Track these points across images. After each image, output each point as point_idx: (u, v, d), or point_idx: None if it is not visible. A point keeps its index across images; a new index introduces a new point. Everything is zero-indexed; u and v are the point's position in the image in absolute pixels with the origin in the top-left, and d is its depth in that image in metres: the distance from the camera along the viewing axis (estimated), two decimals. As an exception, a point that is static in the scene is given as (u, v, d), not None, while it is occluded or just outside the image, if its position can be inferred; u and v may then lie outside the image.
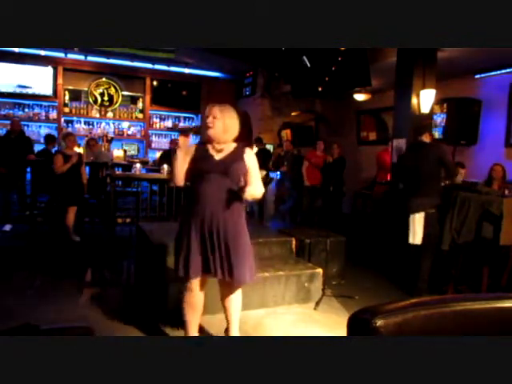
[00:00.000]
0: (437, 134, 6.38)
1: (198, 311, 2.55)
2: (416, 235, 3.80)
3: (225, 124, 2.38)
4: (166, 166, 5.49)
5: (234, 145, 2.46)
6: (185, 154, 2.41)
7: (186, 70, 8.88)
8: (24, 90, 8.11)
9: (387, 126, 7.68)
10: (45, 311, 3.13)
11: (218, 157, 2.40)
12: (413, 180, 3.93)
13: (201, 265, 2.38)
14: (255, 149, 8.33)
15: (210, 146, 2.43)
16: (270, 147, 8.42)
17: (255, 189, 2.33)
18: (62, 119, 8.41)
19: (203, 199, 2.34)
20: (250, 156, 2.46)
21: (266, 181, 5.71)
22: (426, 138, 3.97)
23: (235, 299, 2.58)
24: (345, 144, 8.99)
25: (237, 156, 2.41)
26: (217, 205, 2.34)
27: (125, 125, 8.91)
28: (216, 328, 2.91)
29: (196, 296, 2.49)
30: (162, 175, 5.52)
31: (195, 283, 2.45)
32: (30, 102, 8.24)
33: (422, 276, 3.83)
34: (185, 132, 2.48)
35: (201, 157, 2.40)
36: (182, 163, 2.40)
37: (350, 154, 8.79)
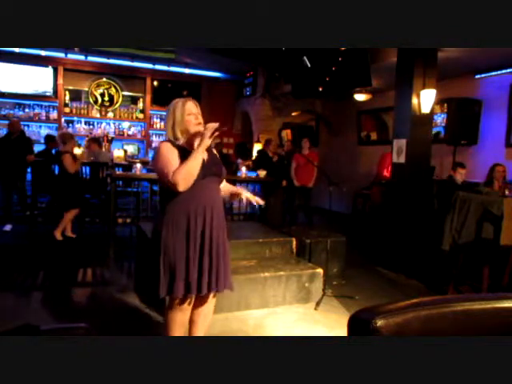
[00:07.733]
0: (434, 133, 6.38)
1: (186, 328, 2.31)
2: None
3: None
4: None
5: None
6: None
7: (186, 70, 8.88)
8: (24, 90, 8.12)
9: (387, 126, 7.69)
10: (44, 311, 3.14)
11: (203, 157, 2.09)
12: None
13: (196, 281, 2.08)
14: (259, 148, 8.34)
15: (187, 146, 2.10)
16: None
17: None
18: (63, 119, 8.41)
19: (203, 206, 2.06)
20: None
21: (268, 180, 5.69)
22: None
23: (208, 312, 2.32)
24: (345, 144, 9.03)
25: (216, 156, 2.23)
26: (215, 211, 2.11)
27: (125, 125, 8.91)
28: (216, 328, 2.91)
29: (188, 314, 2.24)
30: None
31: (190, 302, 2.18)
32: (31, 102, 8.24)
33: None
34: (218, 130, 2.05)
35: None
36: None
37: (351, 154, 8.83)
